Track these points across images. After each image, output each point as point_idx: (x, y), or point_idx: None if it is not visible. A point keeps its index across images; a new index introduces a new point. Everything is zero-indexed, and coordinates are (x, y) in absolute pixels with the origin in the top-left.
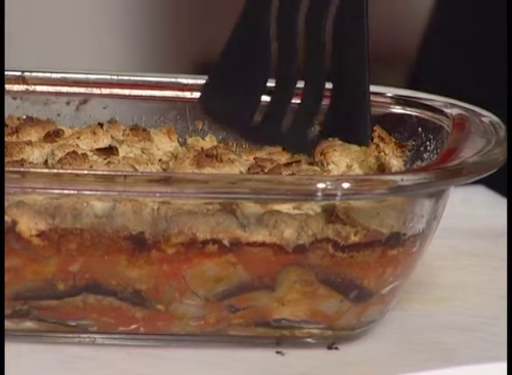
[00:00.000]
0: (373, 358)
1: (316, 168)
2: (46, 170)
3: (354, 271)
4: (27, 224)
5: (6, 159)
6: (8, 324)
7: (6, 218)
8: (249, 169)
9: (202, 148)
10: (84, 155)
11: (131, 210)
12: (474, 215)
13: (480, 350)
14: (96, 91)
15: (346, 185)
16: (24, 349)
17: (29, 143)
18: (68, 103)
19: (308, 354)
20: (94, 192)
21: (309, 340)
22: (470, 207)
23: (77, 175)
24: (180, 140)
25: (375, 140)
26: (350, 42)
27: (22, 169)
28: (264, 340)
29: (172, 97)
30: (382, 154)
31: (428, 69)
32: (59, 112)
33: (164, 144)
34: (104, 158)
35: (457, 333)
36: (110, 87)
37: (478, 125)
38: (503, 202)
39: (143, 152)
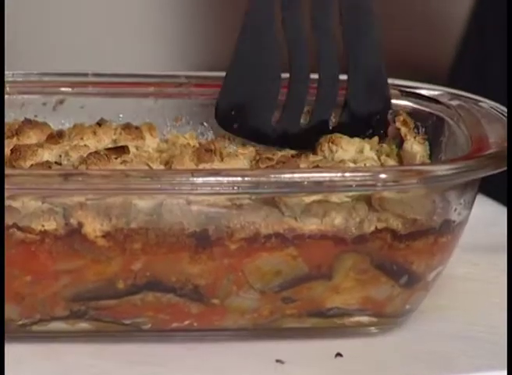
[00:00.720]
0: (374, 366)
1: (324, 158)
2: (103, 172)
3: (408, 257)
4: (93, 226)
5: (24, 162)
6: (62, 326)
7: (72, 220)
8: (257, 161)
9: (200, 144)
10: (106, 155)
11: (178, 207)
12: (474, 223)
13: (480, 358)
14: (72, 90)
15: (411, 178)
16: (77, 350)
17: (40, 145)
18: (44, 104)
19: (313, 363)
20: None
21: (356, 329)
22: (470, 216)
23: (127, 175)
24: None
25: (398, 124)
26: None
27: (84, 171)
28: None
29: (151, 93)
30: (406, 139)
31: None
32: (36, 114)
33: (148, 141)
34: (116, 158)
35: (457, 342)
36: (86, 86)
37: (482, 111)
38: (502, 211)
39: (137, 150)
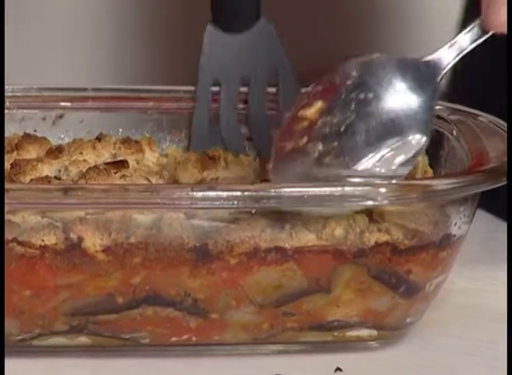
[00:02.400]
0: None
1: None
2: (99, 186)
3: (408, 271)
4: (92, 240)
5: (23, 177)
6: (62, 340)
7: (71, 235)
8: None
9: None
10: (105, 169)
11: (177, 221)
12: (474, 238)
13: (479, 373)
14: (72, 105)
15: (412, 192)
16: (76, 364)
17: (39, 160)
18: (44, 119)
19: None
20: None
21: (356, 343)
22: (470, 231)
23: (126, 189)
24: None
25: None
26: None
27: (83, 186)
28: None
29: (150, 107)
30: None
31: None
32: (36, 128)
33: (148, 155)
34: (115, 172)
35: (457, 356)
36: (85, 101)
37: (481, 125)
38: (502, 226)
39: (138, 164)
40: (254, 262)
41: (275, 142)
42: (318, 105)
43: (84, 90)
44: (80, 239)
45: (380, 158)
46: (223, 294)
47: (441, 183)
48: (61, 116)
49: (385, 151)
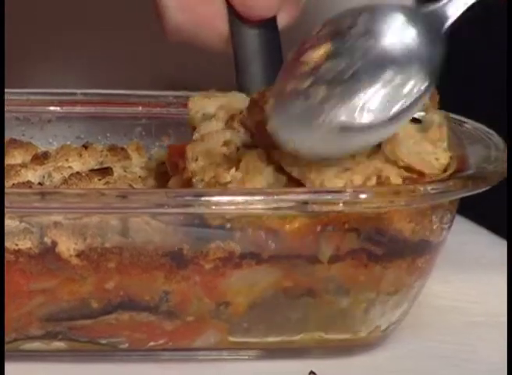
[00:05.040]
0: None
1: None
2: (75, 191)
3: (385, 277)
4: (67, 245)
5: (6, 182)
6: (38, 345)
7: (46, 239)
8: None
9: None
10: (88, 175)
11: (150, 226)
12: (450, 242)
13: None
14: (61, 109)
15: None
16: (53, 369)
17: (23, 165)
18: (32, 123)
19: None
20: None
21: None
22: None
23: (103, 193)
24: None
25: None
26: None
27: (59, 190)
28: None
29: (139, 113)
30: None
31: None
32: (24, 133)
33: (135, 161)
34: (99, 179)
35: (433, 361)
36: (74, 106)
37: (465, 132)
38: (478, 230)
39: (125, 171)
40: (229, 266)
41: (277, 81)
42: (323, 48)
43: (73, 94)
44: (54, 243)
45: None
46: (199, 298)
47: (419, 190)
48: (49, 121)
49: (382, 91)
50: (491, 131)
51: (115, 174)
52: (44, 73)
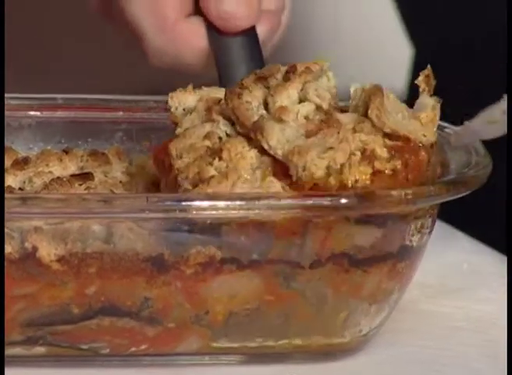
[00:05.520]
0: None
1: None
2: (56, 195)
3: (366, 282)
4: (47, 250)
5: None
6: (19, 351)
7: (26, 244)
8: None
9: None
10: (69, 180)
11: (131, 231)
12: (429, 247)
13: None
14: (41, 114)
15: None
16: (34, 374)
17: (4, 171)
18: (12, 128)
19: None
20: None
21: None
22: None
23: (84, 199)
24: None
25: (421, 78)
26: None
27: (40, 195)
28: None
29: (120, 117)
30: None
31: None
32: (4, 138)
33: (116, 166)
34: (80, 184)
35: (414, 366)
36: (55, 111)
37: (446, 137)
38: (458, 235)
39: (106, 176)
40: (210, 271)
41: None
42: None
43: (54, 99)
44: (35, 248)
45: None
46: (180, 304)
47: (399, 194)
48: (29, 126)
49: None
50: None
51: (96, 179)
52: (24, 77)
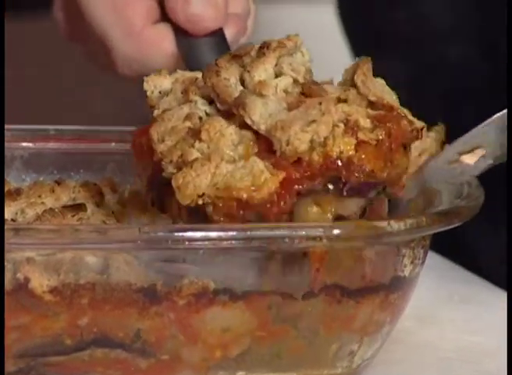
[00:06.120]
0: None
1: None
2: (49, 226)
3: (358, 313)
4: (39, 281)
5: None
6: None
7: (18, 275)
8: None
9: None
10: (61, 211)
11: (125, 263)
12: (421, 278)
13: None
14: (34, 146)
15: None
16: None
17: None
18: (5, 159)
19: None
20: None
21: None
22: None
23: (77, 230)
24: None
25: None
26: None
27: (33, 226)
28: None
29: (112, 148)
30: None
31: None
32: None
33: (108, 197)
34: (73, 215)
35: None
36: (47, 142)
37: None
38: (450, 265)
39: (98, 207)
40: (202, 302)
41: None
42: None
43: (46, 130)
44: (27, 279)
45: None
46: (173, 336)
47: (392, 226)
48: (22, 157)
49: None
50: None
51: (89, 210)
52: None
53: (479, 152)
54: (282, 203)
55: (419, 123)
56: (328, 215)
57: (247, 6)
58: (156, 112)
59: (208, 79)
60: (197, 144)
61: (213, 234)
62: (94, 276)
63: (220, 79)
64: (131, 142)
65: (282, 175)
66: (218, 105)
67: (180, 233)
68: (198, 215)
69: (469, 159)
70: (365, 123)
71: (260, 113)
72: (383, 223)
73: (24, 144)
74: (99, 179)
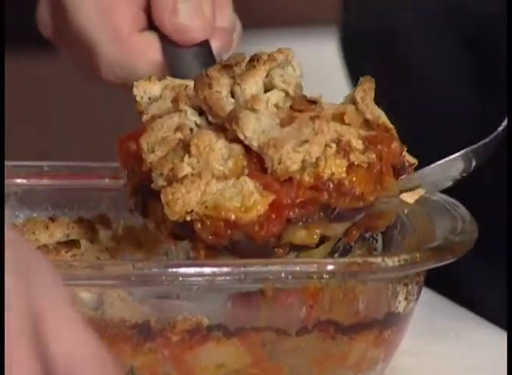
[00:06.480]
0: None
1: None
2: None
3: (352, 349)
4: None
5: None
6: None
7: None
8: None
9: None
10: (55, 248)
11: (119, 299)
12: (415, 314)
13: None
14: (27, 182)
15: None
16: None
17: None
18: None
19: None
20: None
21: None
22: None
23: (70, 265)
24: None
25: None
26: None
27: None
28: None
29: (106, 184)
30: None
31: None
32: None
33: (102, 233)
34: (66, 252)
35: None
36: (41, 178)
37: (432, 204)
38: (444, 301)
39: (92, 243)
40: (196, 339)
41: None
42: None
43: (40, 167)
44: None
45: None
46: (166, 372)
47: (386, 261)
48: (16, 193)
49: None
50: (457, 203)
51: (82, 247)
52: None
53: (419, 192)
54: (271, 226)
55: (412, 159)
56: (315, 237)
57: (233, 21)
58: (145, 118)
59: (200, 91)
60: (186, 159)
61: (207, 270)
62: (89, 312)
63: (212, 91)
64: (117, 145)
65: (271, 197)
66: (210, 117)
67: (174, 269)
68: (184, 228)
69: (409, 198)
70: (357, 144)
71: (253, 129)
72: (377, 259)
73: (18, 180)
74: (93, 215)
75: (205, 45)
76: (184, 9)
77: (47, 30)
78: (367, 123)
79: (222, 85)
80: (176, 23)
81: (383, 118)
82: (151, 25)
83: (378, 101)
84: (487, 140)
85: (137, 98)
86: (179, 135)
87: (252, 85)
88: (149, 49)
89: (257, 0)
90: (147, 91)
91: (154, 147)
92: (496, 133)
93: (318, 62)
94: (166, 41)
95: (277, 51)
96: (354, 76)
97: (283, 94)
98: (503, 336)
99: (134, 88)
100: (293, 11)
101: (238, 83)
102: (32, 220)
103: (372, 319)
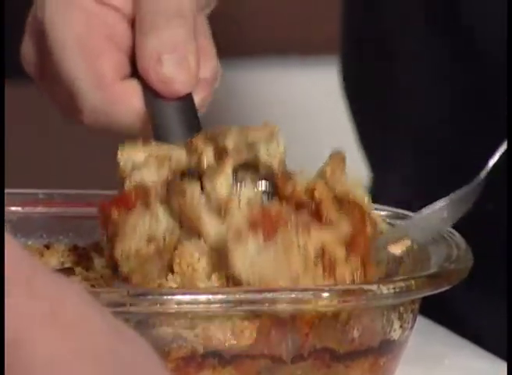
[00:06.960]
0: None
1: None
2: None
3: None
4: None
5: None
6: None
7: None
8: None
9: None
10: None
11: None
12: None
13: None
14: (21, 210)
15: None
16: None
17: None
18: None
19: None
20: None
21: None
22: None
23: None
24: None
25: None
26: None
27: None
28: None
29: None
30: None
31: None
32: None
33: (97, 261)
34: None
35: None
36: (36, 206)
37: None
38: (439, 330)
39: (87, 271)
40: (191, 366)
41: None
42: None
43: (35, 195)
44: None
45: None
46: None
47: (382, 289)
48: (10, 221)
49: None
50: (453, 231)
51: (77, 274)
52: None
53: (405, 243)
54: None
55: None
56: None
57: (215, 70)
58: (127, 184)
59: (176, 200)
60: (170, 277)
61: (202, 298)
62: None
63: (185, 200)
64: (99, 210)
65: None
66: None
67: (169, 296)
68: None
69: (395, 249)
70: (341, 252)
71: (241, 263)
72: (372, 287)
73: (13, 208)
74: (88, 243)
75: (188, 98)
76: (169, 61)
77: (30, 66)
78: (338, 199)
79: (205, 153)
80: (161, 74)
81: (354, 193)
82: (135, 73)
83: (382, 135)
84: (476, 182)
85: (121, 164)
86: (152, 247)
87: (223, 181)
88: (132, 98)
89: (256, 28)
90: (131, 157)
91: (128, 256)
92: (480, 179)
93: (317, 90)
94: (149, 89)
95: (263, 124)
96: (354, 106)
97: (253, 190)
98: (498, 364)
99: (119, 154)
100: (292, 39)
101: (208, 178)
102: (27, 248)
103: (368, 347)
